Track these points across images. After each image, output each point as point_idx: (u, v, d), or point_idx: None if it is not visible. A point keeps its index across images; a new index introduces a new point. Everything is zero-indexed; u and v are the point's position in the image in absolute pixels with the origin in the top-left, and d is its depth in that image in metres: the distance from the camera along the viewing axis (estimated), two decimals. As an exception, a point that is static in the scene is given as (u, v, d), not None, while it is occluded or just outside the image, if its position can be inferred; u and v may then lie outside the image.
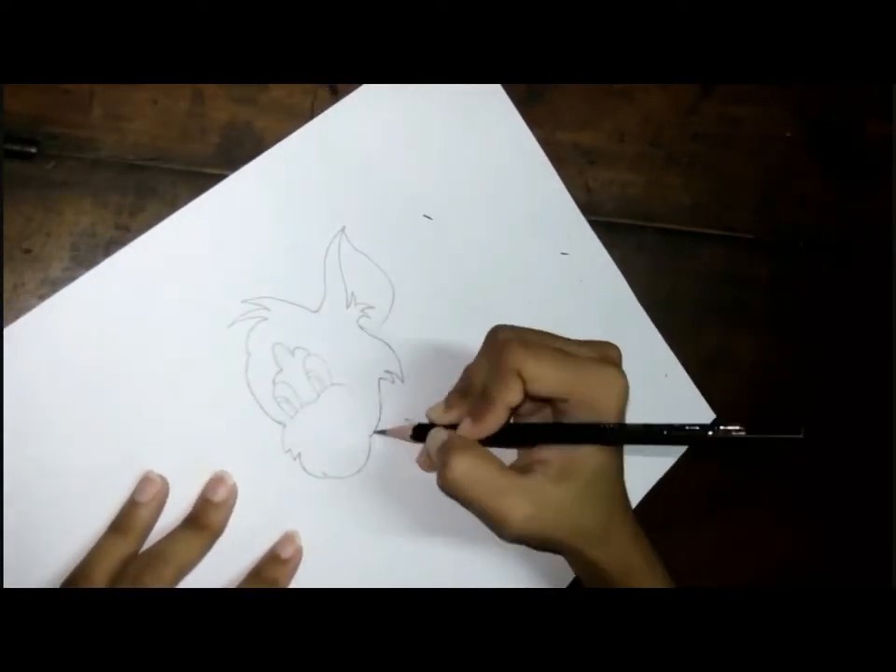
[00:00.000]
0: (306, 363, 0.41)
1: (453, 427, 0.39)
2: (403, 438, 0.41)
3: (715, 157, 0.50)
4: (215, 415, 0.39)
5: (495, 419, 0.37)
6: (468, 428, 0.38)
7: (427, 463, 0.41)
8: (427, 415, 0.40)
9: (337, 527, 0.41)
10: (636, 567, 0.39)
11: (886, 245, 0.52)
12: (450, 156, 0.44)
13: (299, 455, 0.40)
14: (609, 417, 0.37)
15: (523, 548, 0.42)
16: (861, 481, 0.52)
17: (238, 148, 0.41)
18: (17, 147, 0.39)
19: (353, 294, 0.42)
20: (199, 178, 0.41)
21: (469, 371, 0.40)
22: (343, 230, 0.42)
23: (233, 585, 0.39)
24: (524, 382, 0.36)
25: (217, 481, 0.39)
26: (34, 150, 0.39)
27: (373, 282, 0.42)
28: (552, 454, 0.38)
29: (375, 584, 0.41)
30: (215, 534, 0.38)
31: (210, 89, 0.41)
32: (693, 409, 0.48)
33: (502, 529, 0.37)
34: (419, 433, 0.40)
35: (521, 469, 0.38)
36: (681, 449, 0.47)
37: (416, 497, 0.42)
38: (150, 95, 0.40)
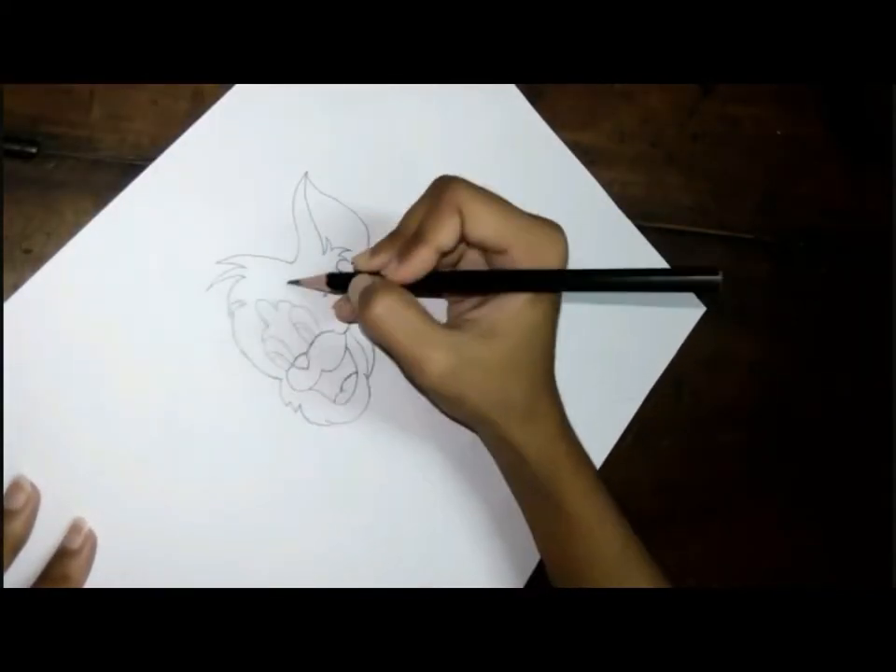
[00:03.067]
0: (292, 315, 0.40)
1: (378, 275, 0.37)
2: (320, 288, 0.40)
3: (715, 157, 0.50)
4: (209, 380, 0.39)
5: (422, 259, 0.35)
6: (393, 269, 0.36)
7: (345, 310, 0.40)
8: (352, 262, 0.39)
9: (347, 473, 0.41)
10: (559, 461, 0.38)
11: (886, 246, 0.52)
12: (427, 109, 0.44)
13: (299, 406, 0.40)
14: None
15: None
16: (861, 481, 0.52)
17: (238, 148, 0.41)
18: (17, 147, 0.39)
19: (327, 239, 0.41)
20: (199, 178, 0.41)
21: (406, 216, 0.38)
22: (305, 175, 0.41)
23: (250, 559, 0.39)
24: (463, 222, 0.35)
25: (74, 529, 0.37)
26: (34, 150, 0.39)
27: (346, 224, 0.42)
28: (482, 312, 0.36)
29: (386, 530, 0.41)
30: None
31: (210, 89, 0.41)
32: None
33: (420, 377, 0.36)
34: (335, 282, 0.39)
35: (449, 325, 0.37)
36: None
37: (423, 429, 0.42)
38: (150, 95, 0.40)
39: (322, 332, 0.41)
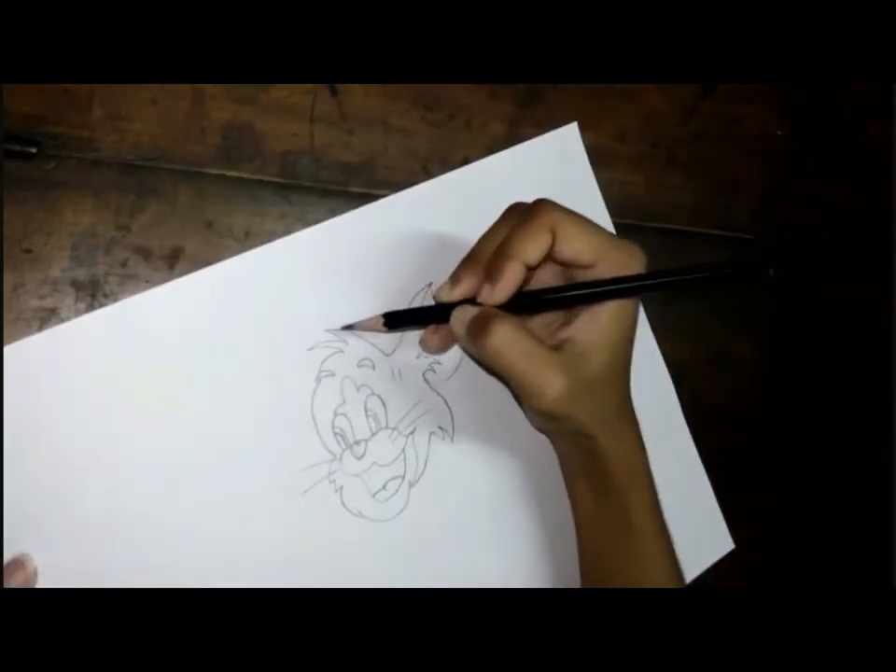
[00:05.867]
0: (367, 402, 0.42)
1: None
2: (376, 329, 0.40)
3: (715, 157, 0.50)
4: (274, 430, 0.40)
5: (513, 274, 0.36)
6: (487, 293, 0.37)
7: (434, 340, 0.41)
8: (434, 297, 0.40)
9: (361, 568, 0.41)
10: (636, 474, 0.40)
11: (885, 245, 0.52)
12: None
13: (340, 488, 0.41)
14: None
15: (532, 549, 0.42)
16: (861, 481, 0.52)
17: (238, 148, 0.41)
18: (17, 147, 0.38)
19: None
20: (199, 178, 0.41)
21: (480, 241, 0.39)
22: (429, 285, 0.43)
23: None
24: (554, 240, 0.36)
25: (15, 566, 0.35)
26: (34, 150, 0.39)
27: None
28: (573, 331, 0.38)
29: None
30: None
31: (210, 89, 0.41)
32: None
33: (539, 401, 0.37)
34: (393, 321, 0.40)
35: (551, 347, 0.38)
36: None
37: (452, 546, 0.42)
38: (150, 95, 0.40)
39: (387, 428, 0.42)
